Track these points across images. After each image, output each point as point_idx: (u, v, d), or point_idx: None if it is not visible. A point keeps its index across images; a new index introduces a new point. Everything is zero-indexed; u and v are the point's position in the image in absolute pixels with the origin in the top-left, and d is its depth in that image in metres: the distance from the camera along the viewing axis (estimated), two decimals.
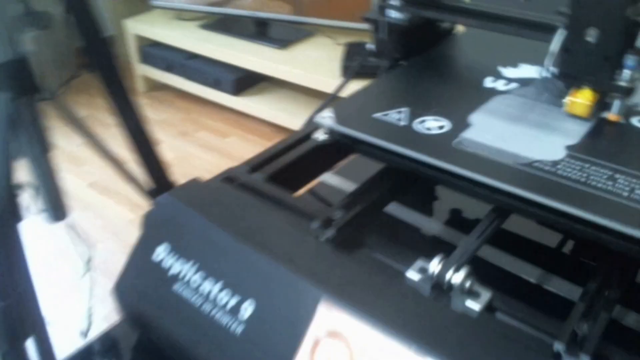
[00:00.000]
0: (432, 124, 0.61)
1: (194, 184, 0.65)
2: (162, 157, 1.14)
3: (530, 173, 0.53)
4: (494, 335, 0.44)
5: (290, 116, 2.10)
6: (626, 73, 0.60)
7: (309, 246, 0.54)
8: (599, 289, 0.49)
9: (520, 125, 0.61)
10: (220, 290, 0.53)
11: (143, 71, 2.50)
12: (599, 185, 0.52)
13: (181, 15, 2.42)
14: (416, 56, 0.79)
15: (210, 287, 0.54)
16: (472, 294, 0.47)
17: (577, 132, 0.60)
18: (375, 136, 0.59)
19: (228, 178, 0.67)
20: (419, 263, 0.50)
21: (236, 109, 2.28)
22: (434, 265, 0.48)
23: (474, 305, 0.46)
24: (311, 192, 0.76)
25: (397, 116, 0.63)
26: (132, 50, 2.47)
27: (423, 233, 0.70)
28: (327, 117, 0.63)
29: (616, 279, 0.50)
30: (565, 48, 0.62)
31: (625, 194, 0.50)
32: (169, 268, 0.57)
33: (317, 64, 1.99)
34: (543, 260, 0.61)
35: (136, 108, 1.04)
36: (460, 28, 0.85)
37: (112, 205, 1.88)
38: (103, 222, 1.80)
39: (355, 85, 0.77)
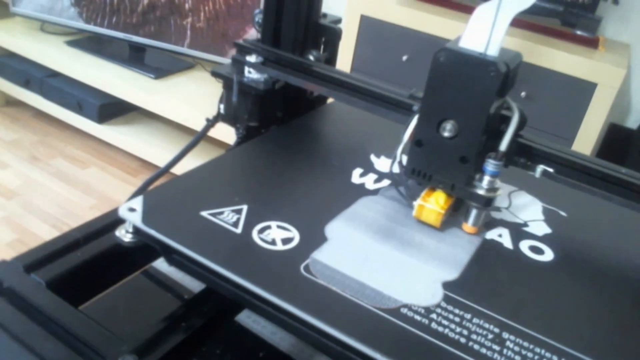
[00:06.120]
0: (277, 234, 0.46)
1: None
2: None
3: (395, 325, 0.39)
4: None
5: (160, 151, 1.90)
6: (486, 180, 0.49)
7: None
8: None
9: (389, 243, 0.47)
10: None
11: None
12: (482, 351, 0.38)
13: (46, 27, 2.14)
14: (277, 125, 0.64)
15: None
16: None
17: (458, 259, 0.47)
18: (195, 248, 0.43)
19: None
20: None
21: (100, 137, 2.03)
22: None
23: None
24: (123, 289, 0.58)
25: (233, 217, 0.47)
26: None
27: None
28: (132, 210, 0.46)
29: None
30: (417, 140, 0.50)
31: None
32: None
33: (193, 99, 1.81)
34: None
35: None
36: None
37: None
38: None
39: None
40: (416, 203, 0.51)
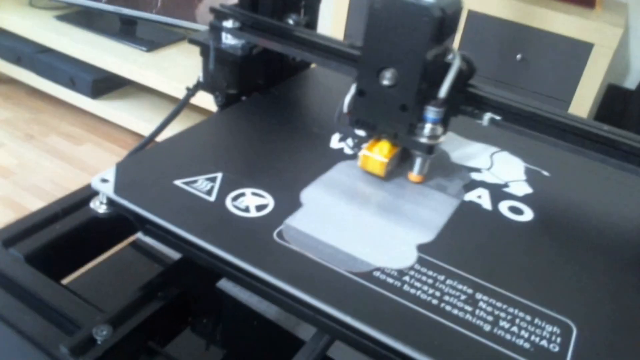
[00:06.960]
0: (251, 201, 0.45)
1: None
2: None
3: (367, 288, 0.39)
4: None
5: (155, 125, 1.88)
6: (427, 127, 0.49)
7: None
8: None
9: (365, 208, 0.47)
10: None
11: None
12: (454, 312, 0.38)
13: (35, 2, 2.12)
14: (258, 92, 0.63)
15: None
16: None
17: (434, 222, 0.46)
18: (168, 217, 0.42)
19: None
20: None
21: (94, 113, 2.02)
22: None
23: None
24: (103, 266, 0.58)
25: (207, 185, 0.46)
26: None
27: None
28: (105, 181, 0.45)
29: None
30: (359, 90, 0.49)
31: (487, 327, 0.37)
32: None
33: (185, 71, 1.79)
34: None
35: None
36: None
37: None
38: None
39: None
40: (360, 153, 0.51)
